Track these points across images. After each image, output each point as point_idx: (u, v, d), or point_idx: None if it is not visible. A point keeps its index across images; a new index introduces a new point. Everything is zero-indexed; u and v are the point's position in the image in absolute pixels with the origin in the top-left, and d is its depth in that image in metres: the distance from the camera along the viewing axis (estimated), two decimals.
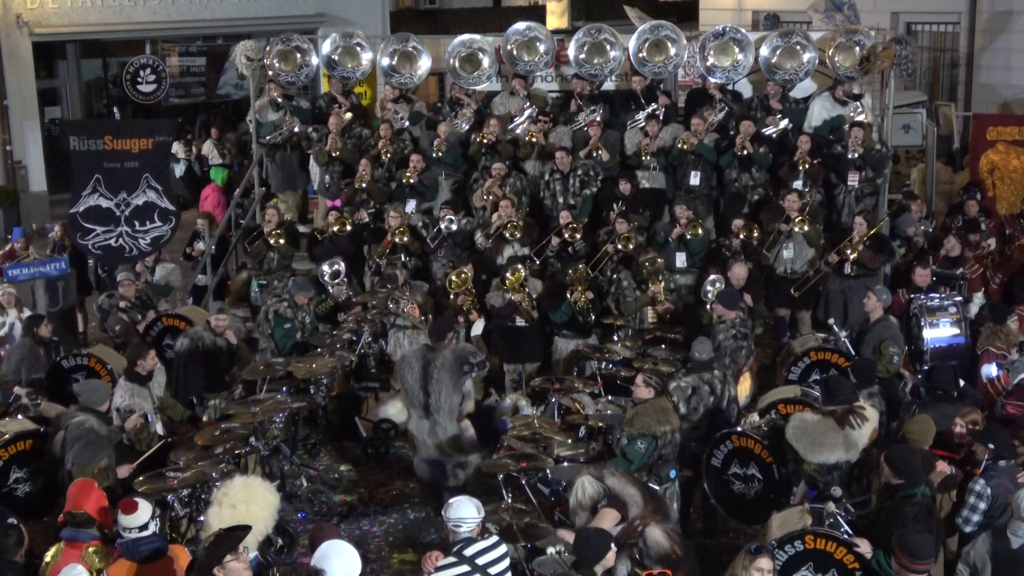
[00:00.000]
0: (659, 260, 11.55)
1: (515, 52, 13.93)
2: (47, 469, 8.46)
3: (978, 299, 11.79)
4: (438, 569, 6.31)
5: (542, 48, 13.98)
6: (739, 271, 11.15)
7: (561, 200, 12.77)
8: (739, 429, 8.72)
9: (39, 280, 12.69)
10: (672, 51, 13.64)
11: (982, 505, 7.28)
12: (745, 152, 12.60)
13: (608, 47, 13.72)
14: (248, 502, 6.76)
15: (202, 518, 6.73)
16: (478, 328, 11.28)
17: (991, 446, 7.53)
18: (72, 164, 13.77)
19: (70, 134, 14.11)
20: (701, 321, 10.95)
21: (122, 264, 13.28)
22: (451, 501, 6.51)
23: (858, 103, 13.35)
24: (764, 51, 13.46)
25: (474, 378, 9.66)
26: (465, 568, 6.27)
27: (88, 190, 13.52)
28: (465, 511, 6.40)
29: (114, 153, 13.57)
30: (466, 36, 14.33)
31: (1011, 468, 7.42)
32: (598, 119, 13.41)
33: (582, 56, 13.72)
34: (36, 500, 8.75)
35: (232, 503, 6.77)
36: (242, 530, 5.97)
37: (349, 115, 13.99)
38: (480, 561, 6.29)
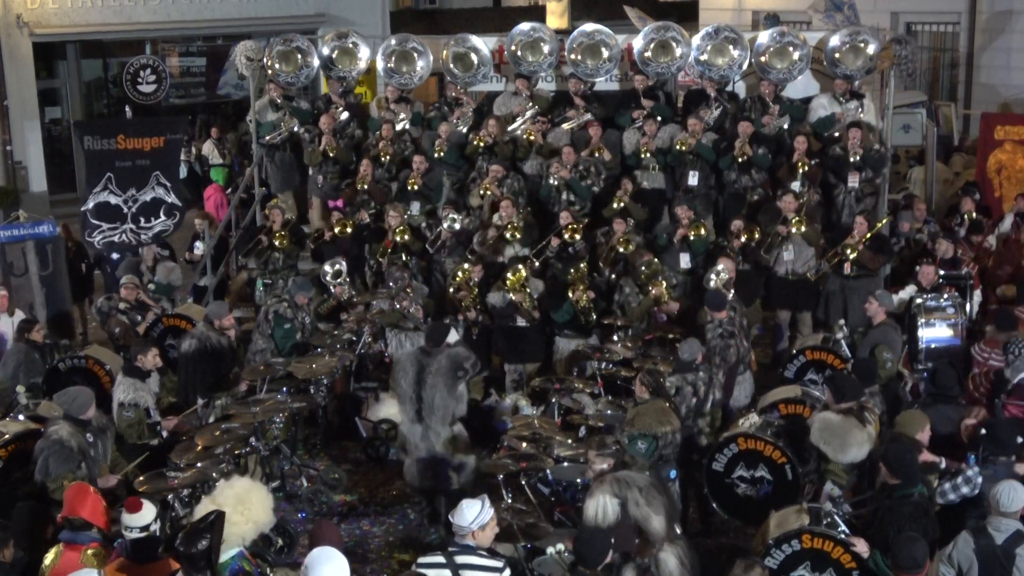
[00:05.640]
0: (655, 261, 11.56)
1: (519, 53, 13.92)
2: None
3: (975, 297, 11.80)
4: (421, 565, 6.32)
5: (546, 49, 13.96)
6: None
7: (564, 196, 12.77)
8: (745, 431, 8.72)
9: (30, 243, 12.75)
10: (677, 52, 13.61)
11: (964, 490, 7.34)
12: (745, 157, 12.61)
13: (603, 49, 13.72)
14: (248, 505, 6.69)
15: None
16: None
17: (982, 431, 7.61)
18: (85, 163, 14.12)
19: (84, 134, 14.46)
20: (696, 322, 11.00)
21: (121, 254, 13.43)
22: (461, 501, 6.42)
23: (859, 102, 13.35)
24: (762, 40, 13.46)
25: (468, 381, 9.60)
26: (447, 573, 6.23)
27: (99, 187, 13.82)
28: (461, 517, 6.32)
29: (126, 152, 13.93)
30: (459, 36, 14.33)
31: (1009, 464, 7.44)
32: (590, 117, 13.39)
33: (576, 56, 13.73)
34: (37, 500, 8.74)
35: (227, 506, 6.71)
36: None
37: (346, 114, 13.99)
38: (464, 574, 6.23)
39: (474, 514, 6.32)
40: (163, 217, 13.88)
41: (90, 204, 13.84)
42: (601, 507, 6.57)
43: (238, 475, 7.54)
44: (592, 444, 7.91)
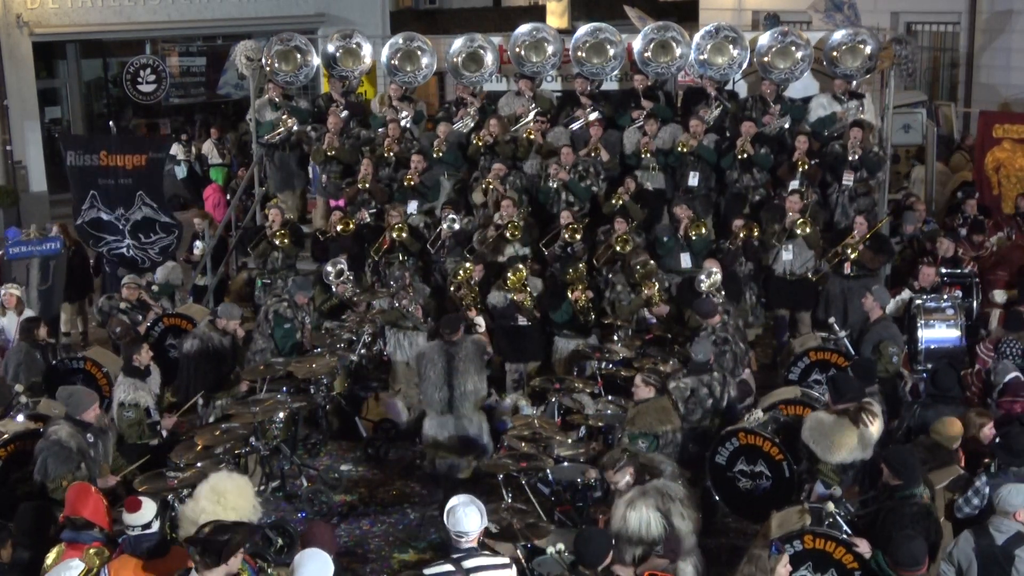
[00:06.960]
0: (651, 263, 11.54)
1: (523, 53, 13.89)
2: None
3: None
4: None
5: (550, 49, 13.93)
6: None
7: (563, 197, 12.74)
8: (746, 426, 8.72)
9: (35, 259, 12.80)
10: (677, 52, 13.60)
11: (975, 500, 7.34)
12: (746, 155, 12.60)
13: (608, 47, 13.71)
14: (223, 495, 6.71)
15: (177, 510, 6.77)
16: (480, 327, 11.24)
17: (996, 439, 7.57)
18: (71, 179, 14.03)
19: (68, 149, 14.29)
20: (687, 323, 10.99)
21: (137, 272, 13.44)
22: (454, 506, 6.30)
23: (859, 102, 13.34)
24: (763, 40, 13.46)
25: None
26: None
27: (86, 205, 13.82)
28: (467, 523, 6.21)
29: (108, 169, 13.82)
30: (467, 36, 14.31)
31: (1021, 475, 7.37)
32: (597, 116, 13.38)
33: (582, 55, 13.72)
34: (38, 500, 8.73)
35: (203, 498, 6.72)
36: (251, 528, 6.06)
37: (344, 113, 13.98)
38: None
39: (477, 518, 6.25)
40: (161, 233, 13.87)
41: (84, 219, 13.77)
42: (643, 523, 6.55)
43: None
44: (606, 465, 7.76)
